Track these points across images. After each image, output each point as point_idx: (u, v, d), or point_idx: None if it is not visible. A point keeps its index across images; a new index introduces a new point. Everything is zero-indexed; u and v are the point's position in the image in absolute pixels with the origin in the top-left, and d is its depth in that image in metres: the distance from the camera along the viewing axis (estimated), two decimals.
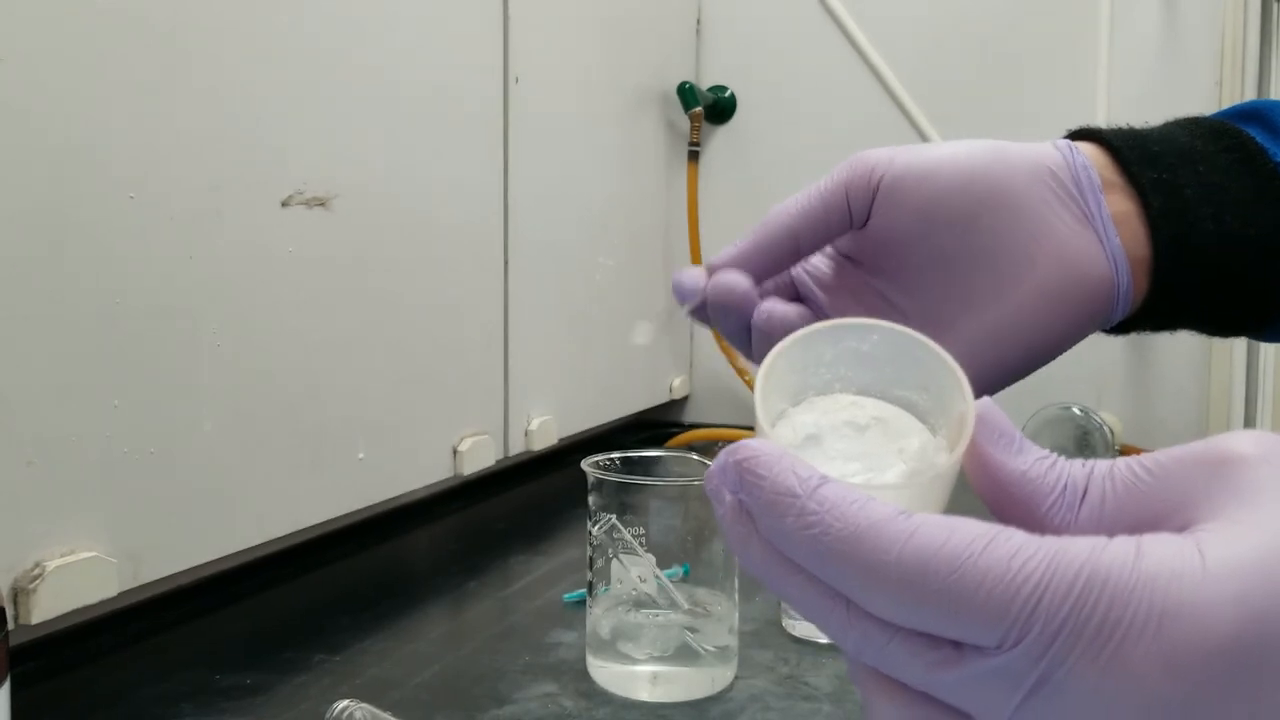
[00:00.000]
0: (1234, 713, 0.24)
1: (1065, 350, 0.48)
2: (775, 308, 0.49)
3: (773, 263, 0.49)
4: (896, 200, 0.47)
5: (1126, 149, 0.47)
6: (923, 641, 0.26)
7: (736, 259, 0.49)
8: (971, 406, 0.30)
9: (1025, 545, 0.25)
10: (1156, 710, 0.24)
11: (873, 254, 0.49)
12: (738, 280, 0.48)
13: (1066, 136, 0.50)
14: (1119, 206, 0.46)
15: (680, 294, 0.50)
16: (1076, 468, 0.29)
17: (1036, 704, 0.25)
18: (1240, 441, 0.27)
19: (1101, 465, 0.28)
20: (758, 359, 0.49)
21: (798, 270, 0.52)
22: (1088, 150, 0.48)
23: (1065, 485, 0.28)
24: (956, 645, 0.25)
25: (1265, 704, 0.24)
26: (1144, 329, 0.50)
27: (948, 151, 0.47)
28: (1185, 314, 0.49)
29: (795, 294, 0.51)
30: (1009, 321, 0.46)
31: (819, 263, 0.52)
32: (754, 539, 0.28)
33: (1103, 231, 0.46)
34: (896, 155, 0.47)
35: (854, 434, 0.32)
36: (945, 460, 0.30)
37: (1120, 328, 0.49)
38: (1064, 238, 0.46)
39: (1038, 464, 0.29)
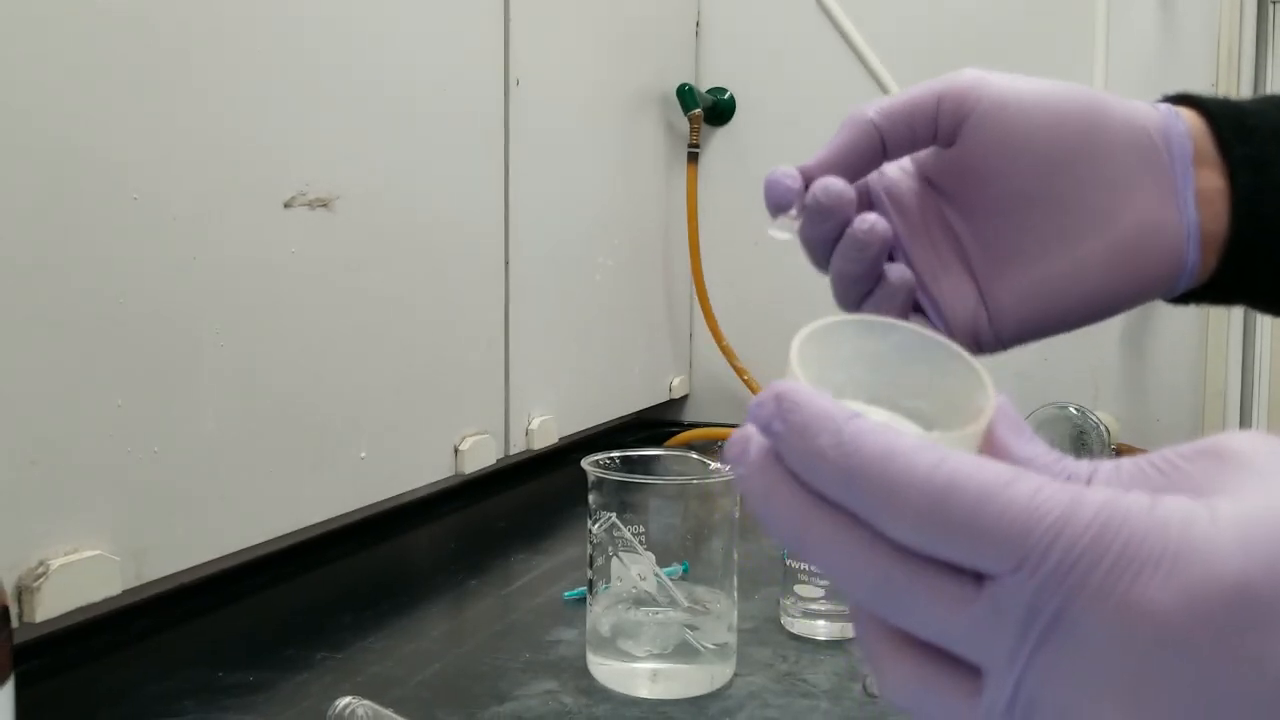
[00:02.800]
0: (1242, 652, 0.24)
1: (1122, 311, 0.49)
2: (878, 220, 0.47)
3: (863, 165, 0.48)
4: (989, 126, 0.46)
5: (1224, 118, 0.47)
6: (945, 575, 0.26)
7: (830, 163, 0.48)
8: (992, 401, 0.31)
9: (1048, 484, 0.26)
10: (1167, 647, 0.24)
11: (954, 179, 0.49)
12: (845, 186, 0.47)
13: (1165, 99, 0.49)
14: (1207, 183, 0.47)
15: (778, 196, 0.48)
16: (1083, 466, 0.29)
17: (1050, 649, 0.25)
18: (1238, 440, 0.28)
19: (1106, 464, 0.29)
20: (837, 267, 0.48)
21: (876, 188, 0.51)
22: (1187, 117, 0.47)
23: (1069, 477, 0.29)
24: (977, 579, 0.26)
25: (1272, 648, 0.24)
26: (1203, 302, 0.50)
27: (1053, 91, 0.47)
28: (1248, 290, 0.49)
29: (870, 208, 0.50)
30: (1074, 272, 0.47)
31: (899, 179, 0.51)
32: (779, 485, 0.28)
33: (1183, 206, 0.46)
34: (997, 82, 0.47)
35: None
36: (972, 428, 0.30)
37: (1179, 298, 0.50)
38: (1143, 203, 0.46)
39: (1045, 454, 0.30)
